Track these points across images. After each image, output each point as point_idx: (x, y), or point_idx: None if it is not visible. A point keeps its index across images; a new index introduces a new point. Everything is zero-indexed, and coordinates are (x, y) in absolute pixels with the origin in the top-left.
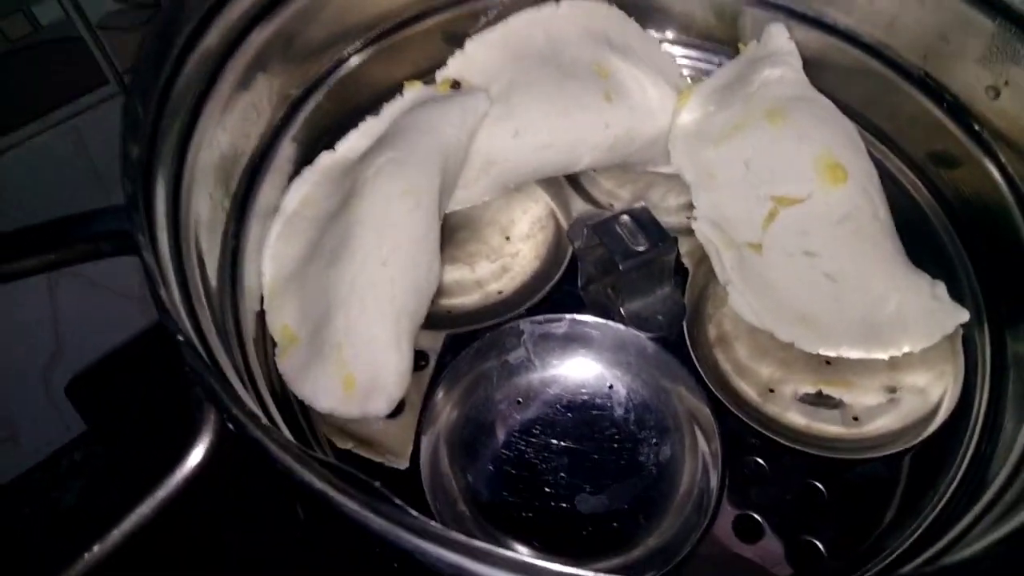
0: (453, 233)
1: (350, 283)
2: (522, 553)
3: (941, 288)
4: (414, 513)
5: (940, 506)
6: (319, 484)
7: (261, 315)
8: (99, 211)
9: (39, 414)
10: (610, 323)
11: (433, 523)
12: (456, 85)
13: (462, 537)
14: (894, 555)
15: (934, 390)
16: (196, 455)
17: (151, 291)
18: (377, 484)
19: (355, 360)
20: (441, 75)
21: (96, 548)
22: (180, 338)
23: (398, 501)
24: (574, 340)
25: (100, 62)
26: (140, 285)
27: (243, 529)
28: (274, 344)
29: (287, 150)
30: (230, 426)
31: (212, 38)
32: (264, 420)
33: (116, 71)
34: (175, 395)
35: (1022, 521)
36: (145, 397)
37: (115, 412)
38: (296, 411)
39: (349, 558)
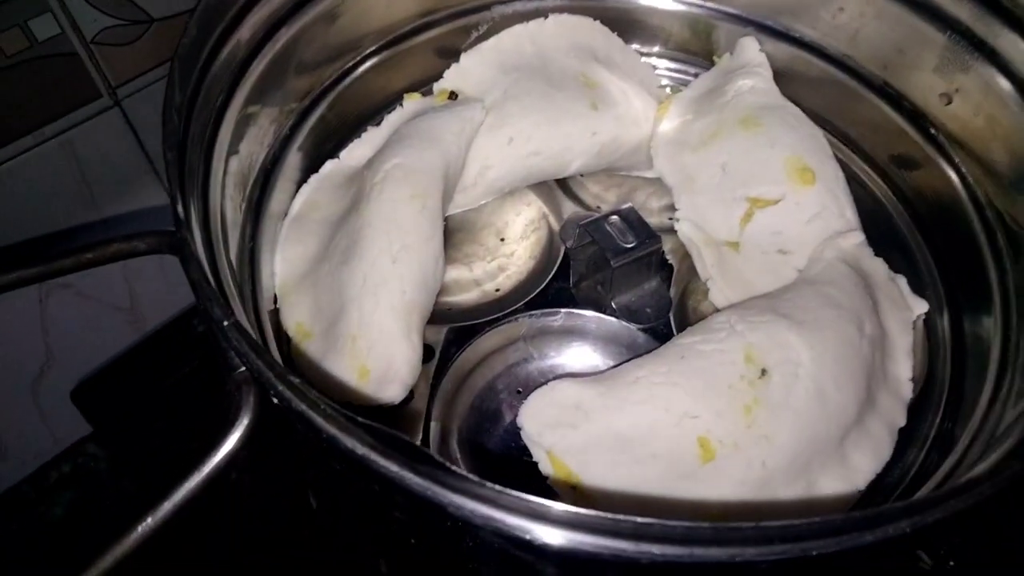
0: (451, 235)
1: (362, 280)
2: None
3: (902, 281)
4: (452, 467)
5: (908, 478)
6: (361, 449)
7: (274, 313)
8: (117, 217)
9: (27, 427)
10: (603, 316)
11: (469, 475)
12: (453, 96)
13: (496, 488)
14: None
15: None
16: (237, 434)
17: (193, 282)
18: (417, 442)
19: (369, 352)
20: (439, 87)
21: (149, 519)
22: (226, 323)
23: (437, 457)
24: (570, 333)
25: (94, 76)
26: (129, 296)
27: (259, 522)
28: (288, 340)
29: (294, 159)
30: (275, 400)
31: (227, 54)
32: (312, 391)
33: (109, 85)
34: (177, 403)
35: (983, 469)
36: (149, 404)
37: (123, 415)
38: None
39: (360, 543)
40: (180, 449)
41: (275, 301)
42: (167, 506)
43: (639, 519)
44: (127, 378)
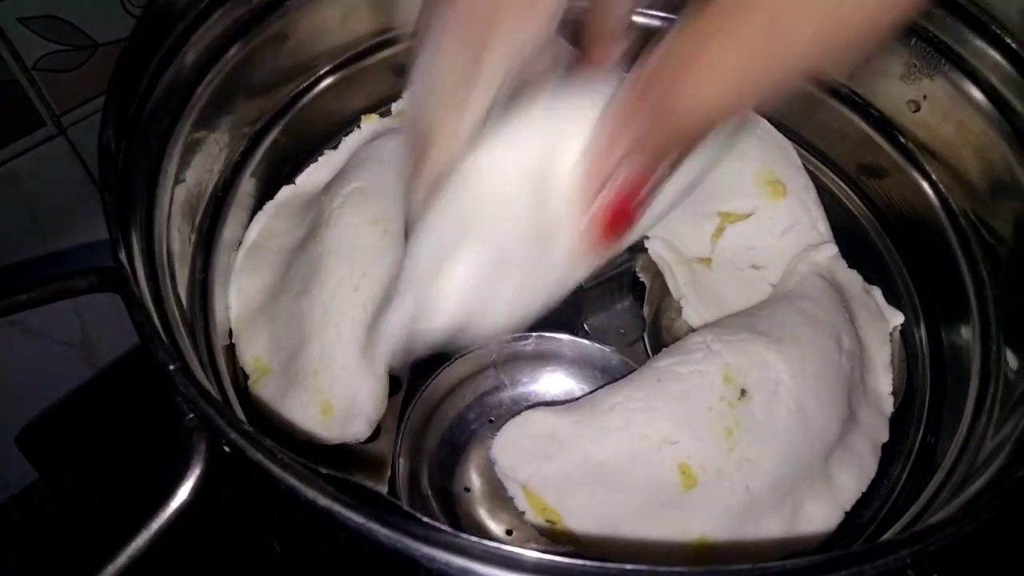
0: None
1: (323, 311)
2: None
3: (877, 293)
4: (424, 519)
5: (893, 496)
6: (324, 501)
7: (230, 348)
8: (68, 251)
9: None
10: (576, 339)
11: (442, 527)
12: None
13: (472, 539)
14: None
15: None
16: (187, 486)
17: (136, 324)
18: (384, 493)
19: (332, 386)
20: (397, 107)
21: None
22: (171, 367)
23: (407, 508)
24: (542, 357)
25: (36, 104)
26: (81, 331)
27: (220, 570)
28: (245, 377)
29: (247, 185)
30: (227, 450)
31: (171, 76)
32: (268, 441)
33: (53, 113)
34: (132, 443)
35: (978, 488)
36: (102, 446)
37: (71, 461)
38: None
39: None
40: (138, 491)
41: (230, 336)
42: (111, 569)
43: (626, 566)
44: (78, 418)
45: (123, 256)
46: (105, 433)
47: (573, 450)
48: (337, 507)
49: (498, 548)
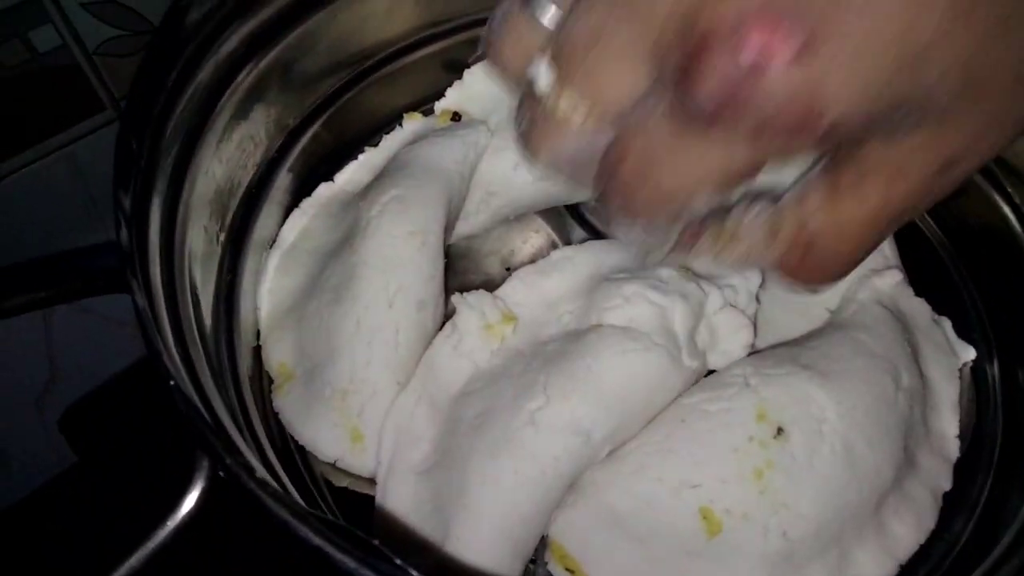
0: (453, 263)
1: (355, 325)
2: None
3: (947, 324)
4: (412, 572)
5: (955, 552)
6: (316, 540)
7: (256, 351)
8: (94, 247)
9: (32, 444)
10: None
11: None
12: (456, 117)
13: None
14: None
15: None
16: (189, 502)
17: (142, 332)
18: (376, 542)
19: (362, 414)
20: (440, 107)
21: None
22: (172, 383)
23: (398, 561)
24: None
25: (97, 88)
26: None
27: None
28: (270, 381)
29: (283, 181)
30: (222, 475)
31: (207, 69)
32: (260, 470)
33: (113, 97)
34: (170, 431)
35: None
36: (140, 430)
37: (108, 447)
38: (292, 451)
39: None
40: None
41: (258, 337)
42: None
43: None
44: (122, 401)
45: (132, 260)
46: (148, 417)
47: (589, 497)
48: (328, 548)
49: None
